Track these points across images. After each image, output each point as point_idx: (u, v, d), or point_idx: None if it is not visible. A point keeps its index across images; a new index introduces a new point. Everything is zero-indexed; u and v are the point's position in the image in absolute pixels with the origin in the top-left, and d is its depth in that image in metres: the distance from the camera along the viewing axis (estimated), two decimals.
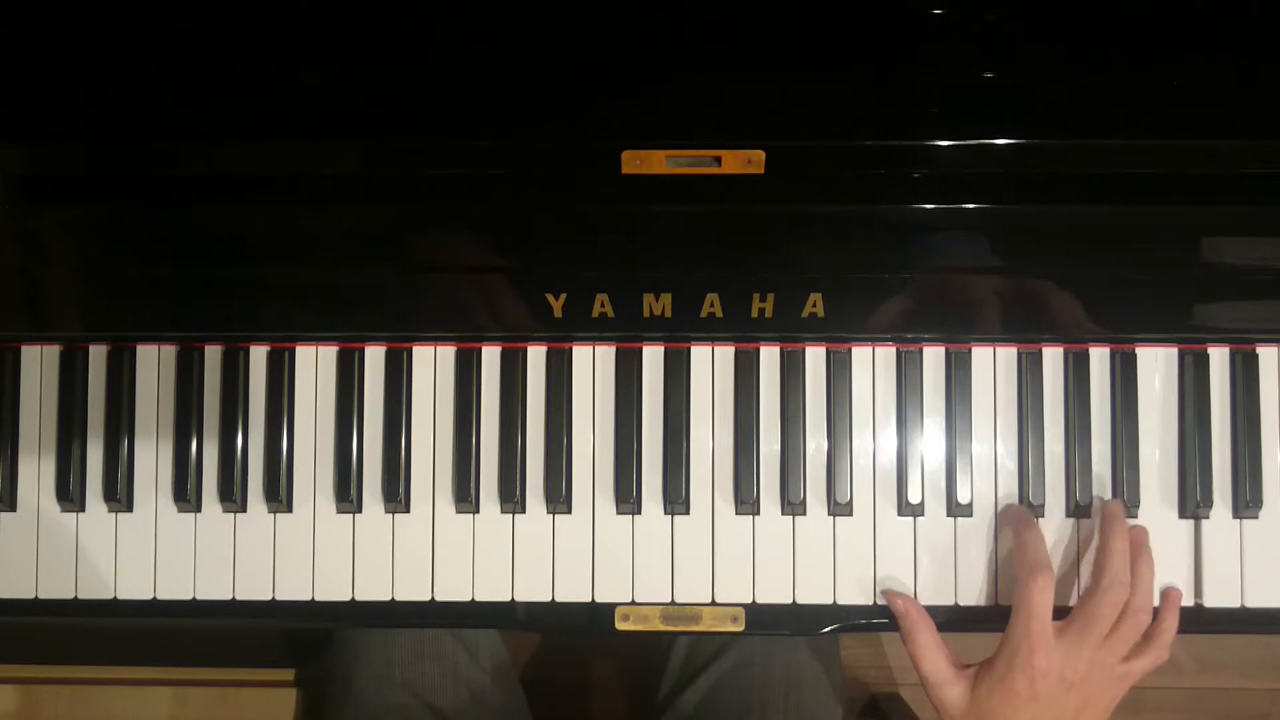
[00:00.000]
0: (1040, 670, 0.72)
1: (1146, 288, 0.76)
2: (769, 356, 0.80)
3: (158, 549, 0.80)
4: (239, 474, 0.79)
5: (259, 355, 0.80)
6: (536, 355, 0.80)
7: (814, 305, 0.76)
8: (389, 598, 0.79)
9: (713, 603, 0.79)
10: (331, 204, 0.75)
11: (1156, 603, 0.77)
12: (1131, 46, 0.73)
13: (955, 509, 0.79)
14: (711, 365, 0.80)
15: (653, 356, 0.80)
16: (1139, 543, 0.76)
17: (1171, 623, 0.76)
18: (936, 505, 0.79)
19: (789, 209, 0.75)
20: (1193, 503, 0.78)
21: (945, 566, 0.79)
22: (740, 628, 0.78)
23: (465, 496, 0.79)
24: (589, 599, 0.79)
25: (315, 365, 0.80)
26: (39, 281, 0.77)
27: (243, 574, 0.80)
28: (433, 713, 0.89)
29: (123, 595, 0.80)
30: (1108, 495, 0.79)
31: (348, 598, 0.79)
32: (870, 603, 0.78)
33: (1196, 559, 0.79)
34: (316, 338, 0.80)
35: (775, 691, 0.90)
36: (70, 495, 0.80)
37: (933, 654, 0.75)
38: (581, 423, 0.80)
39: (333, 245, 0.76)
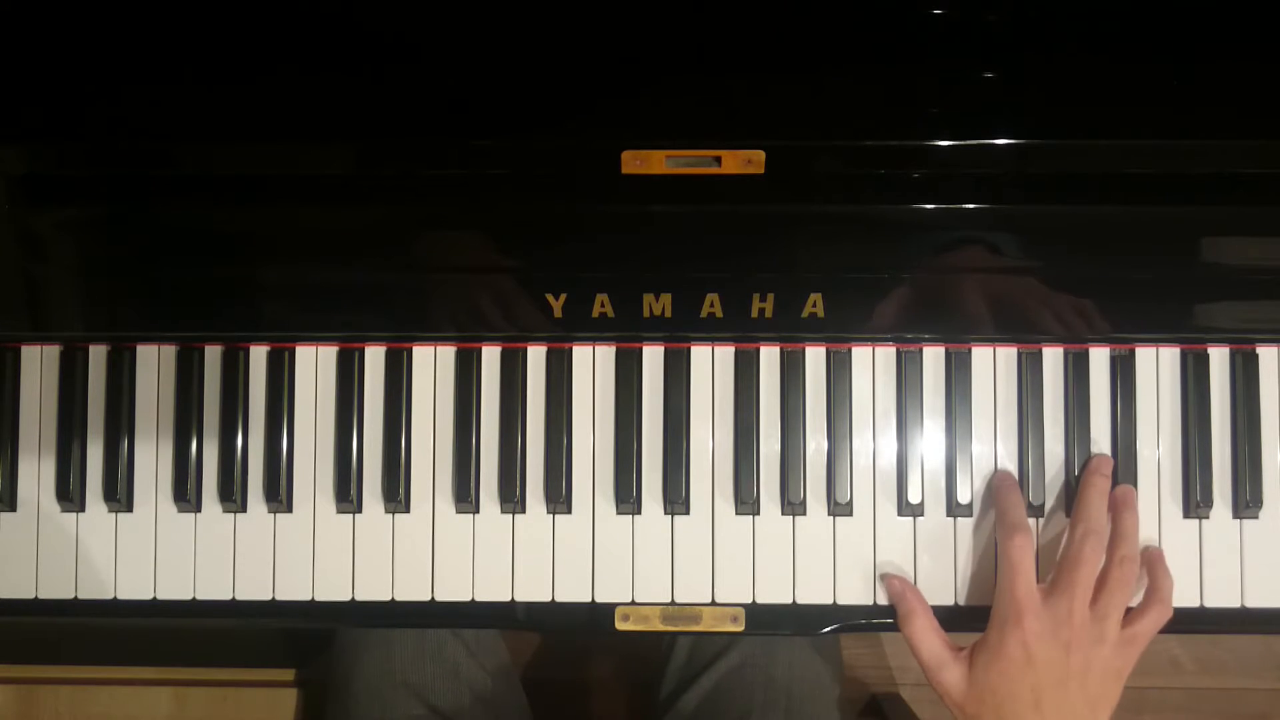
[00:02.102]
0: (1031, 631, 0.71)
1: (1146, 288, 0.76)
2: (769, 356, 0.80)
3: (158, 549, 0.80)
4: (239, 474, 0.79)
5: (259, 355, 0.80)
6: (536, 355, 0.80)
7: (814, 305, 0.76)
8: (389, 598, 0.79)
9: (713, 603, 0.79)
10: (331, 204, 0.75)
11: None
12: (1131, 47, 0.73)
13: (955, 509, 0.79)
14: (711, 365, 0.80)
15: (653, 356, 0.80)
16: (1123, 500, 0.76)
17: (1165, 578, 0.75)
18: (936, 505, 0.79)
19: (789, 209, 0.75)
20: (1193, 503, 0.78)
21: (945, 566, 0.79)
22: (740, 628, 0.78)
23: (465, 496, 0.79)
24: (589, 599, 0.79)
25: (315, 365, 0.80)
26: (39, 281, 0.77)
27: (243, 574, 0.80)
28: (433, 713, 0.89)
29: (123, 595, 0.80)
30: None
31: (348, 598, 0.79)
32: (870, 602, 0.78)
33: (1197, 559, 0.79)
34: (316, 338, 0.80)
35: (776, 692, 0.90)
36: (70, 495, 0.80)
37: (929, 637, 0.75)
38: (581, 423, 0.80)
39: (332, 245, 0.76)
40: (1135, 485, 0.78)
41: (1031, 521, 0.78)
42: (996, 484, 0.78)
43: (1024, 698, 0.71)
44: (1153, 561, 0.77)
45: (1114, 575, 0.73)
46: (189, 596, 0.79)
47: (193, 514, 0.80)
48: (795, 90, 0.73)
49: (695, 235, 0.75)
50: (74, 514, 0.80)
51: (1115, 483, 0.78)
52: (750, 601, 0.79)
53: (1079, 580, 0.72)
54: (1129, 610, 0.74)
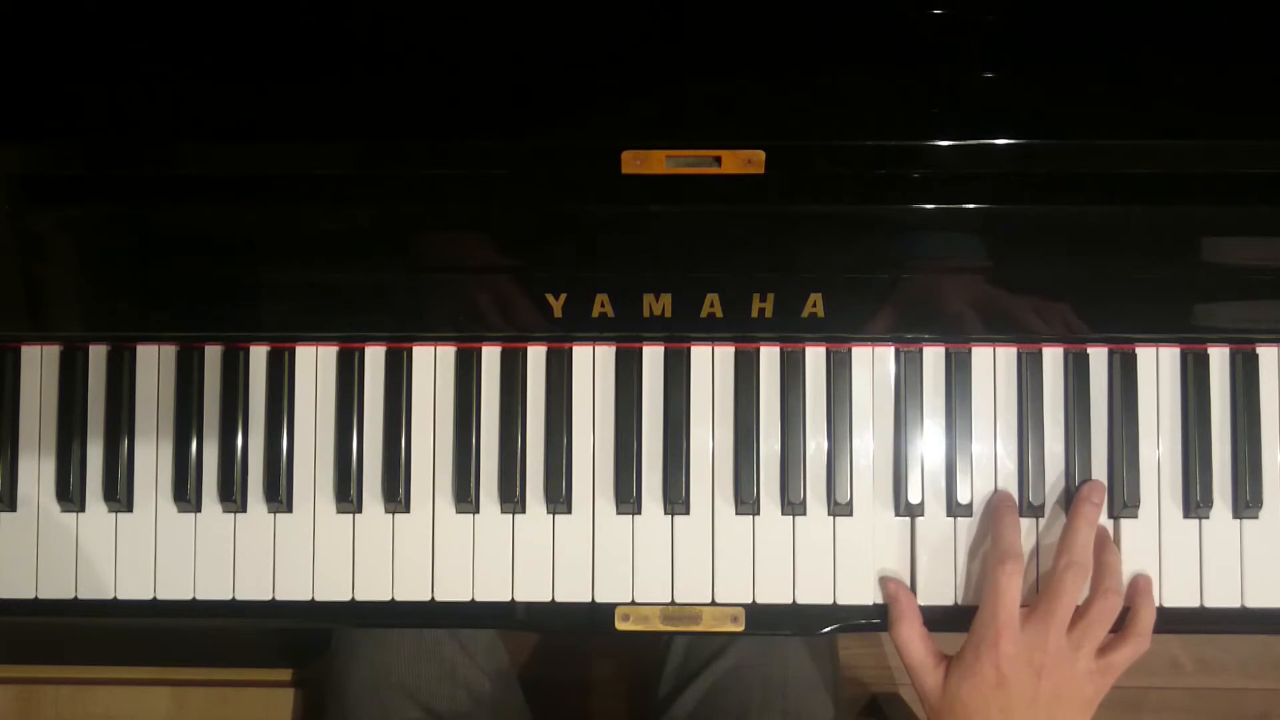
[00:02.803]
0: (1006, 655, 0.72)
1: (1146, 288, 0.76)
2: (769, 356, 0.80)
3: (158, 549, 0.80)
4: (239, 474, 0.79)
5: (259, 355, 0.80)
6: (536, 355, 0.80)
7: (814, 305, 0.76)
8: (389, 598, 0.79)
9: (713, 603, 0.79)
10: (331, 204, 0.75)
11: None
12: (1131, 46, 0.73)
13: (955, 509, 0.79)
14: (711, 365, 0.80)
15: (653, 356, 0.80)
16: (1101, 540, 0.77)
17: (1147, 610, 0.76)
18: (936, 505, 0.79)
19: (789, 209, 0.75)
20: (1193, 503, 0.78)
21: (945, 566, 0.79)
22: (740, 628, 0.78)
23: (465, 496, 0.79)
24: (589, 599, 0.79)
25: (315, 365, 0.80)
26: (39, 281, 0.77)
27: (243, 574, 0.80)
28: (430, 714, 0.89)
29: (123, 595, 0.80)
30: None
31: (348, 598, 0.79)
32: (870, 603, 0.78)
33: (1197, 559, 0.79)
34: (316, 338, 0.80)
35: (773, 692, 0.90)
36: (70, 495, 0.79)
37: (915, 643, 0.76)
38: (581, 423, 0.80)
39: (332, 245, 0.76)
40: (1136, 485, 0.79)
41: (1030, 522, 0.78)
42: (995, 505, 0.78)
43: (992, 716, 0.72)
44: (1139, 592, 0.77)
45: (1095, 607, 0.74)
46: (189, 596, 0.79)
47: (193, 514, 0.80)
48: (795, 90, 0.73)
49: (695, 235, 0.75)
50: (74, 514, 0.80)
51: (1113, 489, 0.78)
52: (750, 602, 0.79)
53: (1057, 610, 0.73)
54: (1107, 637, 0.75)
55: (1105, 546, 0.77)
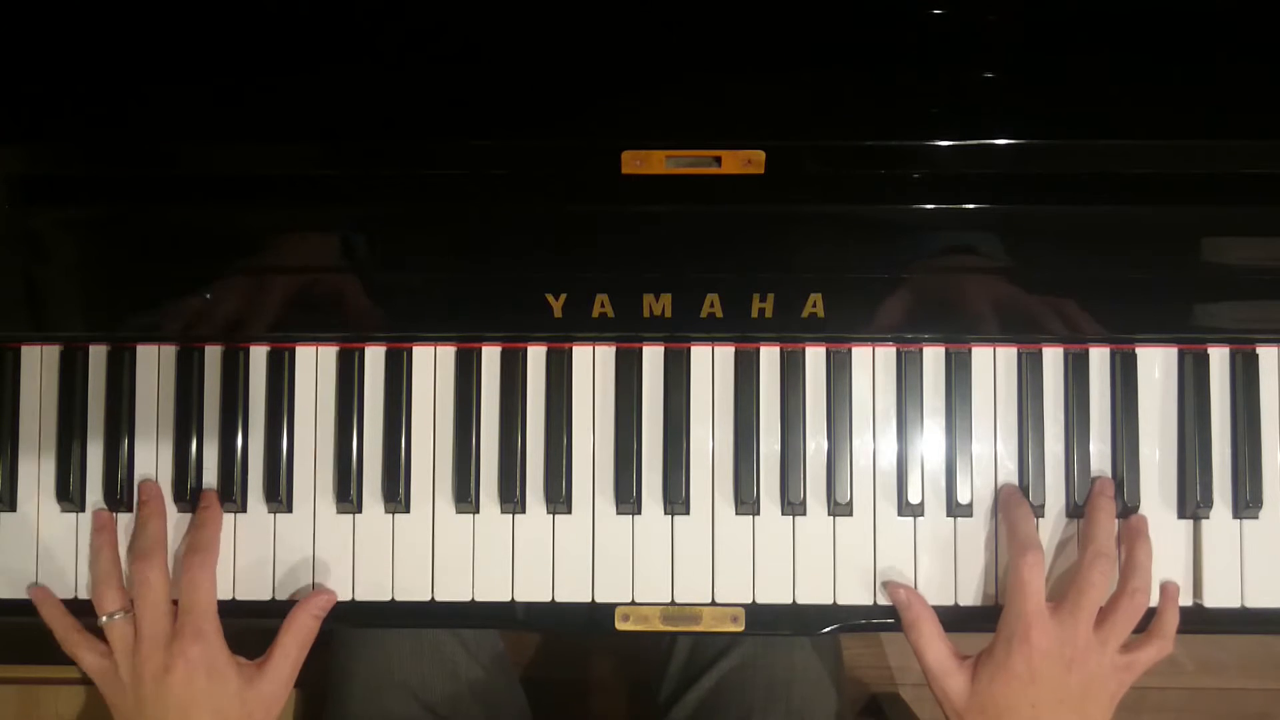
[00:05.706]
0: (1037, 648, 0.72)
1: (1146, 288, 0.76)
2: (769, 356, 0.80)
3: None
4: (239, 474, 0.79)
5: (259, 355, 0.80)
6: (536, 355, 0.80)
7: (814, 305, 0.76)
8: (389, 598, 0.79)
9: (713, 603, 0.79)
10: (331, 204, 0.75)
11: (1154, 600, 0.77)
12: (1131, 46, 0.73)
13: (955, 509, 0.79)
14: (711, 365, 0.80)
15: (653, 356, 0.80)
16: (1137, 529, 0.77)
17: (1172, 615, 0.76)
18: (936, 505, 0.79)
19: (789, 209, 0.75)
20: (1193, 503, 0.78)
21: (945, 566, 0.79)
22: (740, 628, 0.78)
23: (465, 496, 0.79)
24: (589, 599, 0.79)
25: (315, 365, 0.80)
26: (39, 281, 0.77)
27: (242, 574, 0.80)
28: (430, 713, 0.89)
29: None
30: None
31: (348, 598, 0.79)
32: (871, 602, 0.78)
33: (1196, 559, 0.79)
34: (316, 338, 0.80)
35: (777, 692, 0.90)
36: (70, 495, 0.79)
37: (936, 645, 0.75)
38: (581, 423, 0.80)
39: (331, 245, 0.76)
40: (1136, 485, 0.79)
41: None
42: (1004, 499, 0.78)
43: (1023, 712, 0.72)
44: (1166, 596, 0.77)
45: (1123, 605, 0.74)
46: None
47: (192, 515, 0.80)
48: (795, 90, 0.73)
49: (695, 235, 0.75)
50: (74, 514, 0.80)
51: (1118, 488, 0.78)
52: (750, 601, 0.79)
53: (1086, 604, 0.73)
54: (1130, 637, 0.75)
55: (1139, 543, 0.76)
